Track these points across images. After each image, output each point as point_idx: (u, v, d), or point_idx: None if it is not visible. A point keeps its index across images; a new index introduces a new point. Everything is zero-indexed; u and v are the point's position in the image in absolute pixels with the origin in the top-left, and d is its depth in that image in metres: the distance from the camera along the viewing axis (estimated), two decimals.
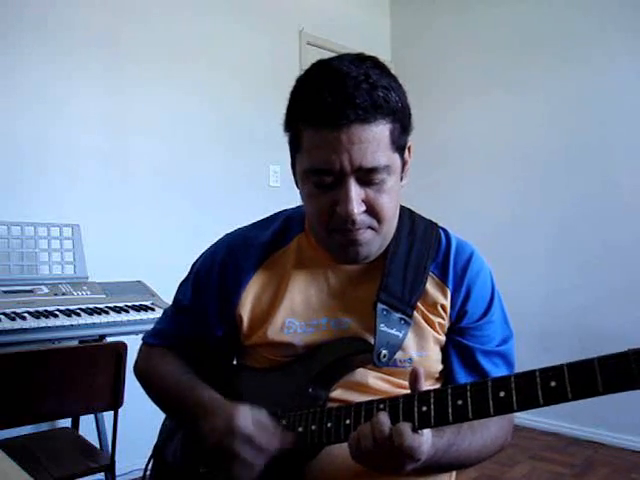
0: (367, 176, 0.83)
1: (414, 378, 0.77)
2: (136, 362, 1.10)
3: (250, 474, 0.83)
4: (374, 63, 0.85)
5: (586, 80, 3.11)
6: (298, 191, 0.93)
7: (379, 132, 0.82)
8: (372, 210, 0.86)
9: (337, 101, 0.80)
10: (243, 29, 3.09)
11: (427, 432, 0.75)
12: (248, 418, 0.84)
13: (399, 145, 0.86)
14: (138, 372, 1.09)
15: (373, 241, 0.89)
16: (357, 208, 0.83)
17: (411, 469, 0.75)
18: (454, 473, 1.01)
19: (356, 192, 0.83)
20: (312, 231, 0.96)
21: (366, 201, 0.85)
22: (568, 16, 3.17)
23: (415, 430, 0.73)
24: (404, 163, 0.91)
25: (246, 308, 0.97)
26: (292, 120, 0.88)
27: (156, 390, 1.05)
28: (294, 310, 0.95)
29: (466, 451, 0.86)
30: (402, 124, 0.86)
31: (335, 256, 0.94)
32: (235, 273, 0.98)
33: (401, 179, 0.91)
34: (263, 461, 0.83)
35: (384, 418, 0.74)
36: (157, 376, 1.04)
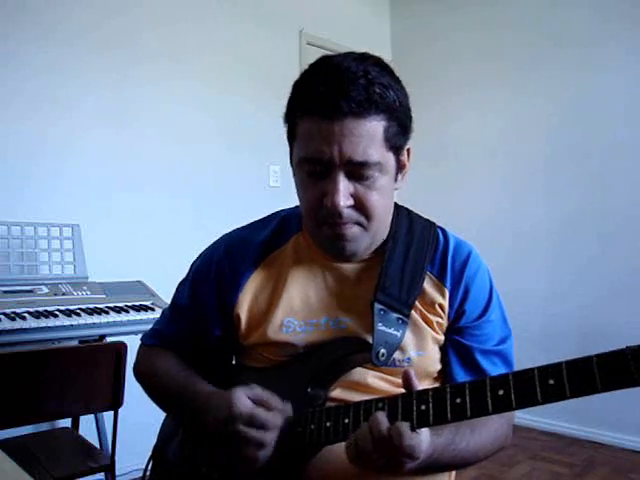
0: (357, 171, 0.84)
1: (405, 379, 0.76)
2: (135, 364, 1.10)
3: (264, 453, 0.81)
4: (377, 62, 0.86)
5: (586, 80, 3.11)
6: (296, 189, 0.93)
7: (372, 128, 0.82)
8: (360, 206, 0.86)
9: (332, 93, 0.81)
10: (243, 29, 3.09)
11: (425, 431, 0.75)
12: (245, 399, 0.83)
13: (394, 144, 0.86)
14: (138, 374, 1.09)
15: (360, 238, 0.89)
16: (343, 201, 0.84)
17: (409, 468, 0.75)
18: (454, 473, 1.01)
19: (344, 185, 0.84)
20: (305, 225, 0.96)
21: (355, 196, 0.85)
22: (568, 16, 3.17)
23: (413, 429, 0.73)
24: (401, 165, 0.91)
25: (244, 308, 0.97)
26: (290, 110, 0.89)
27: (155, 389, 1.05)
28: (293, 309, 0.95)
29: (464, 451, 0.86)
30: (400, 124, 0.86)
31: (325, 250, 0.94)
32: (233, 273, 0.98)
33: (395, 180, 0.91)
34: (273, 438, 0.82)
35: (382, 417, 0.74)
36: (156, 375, 1.03)
